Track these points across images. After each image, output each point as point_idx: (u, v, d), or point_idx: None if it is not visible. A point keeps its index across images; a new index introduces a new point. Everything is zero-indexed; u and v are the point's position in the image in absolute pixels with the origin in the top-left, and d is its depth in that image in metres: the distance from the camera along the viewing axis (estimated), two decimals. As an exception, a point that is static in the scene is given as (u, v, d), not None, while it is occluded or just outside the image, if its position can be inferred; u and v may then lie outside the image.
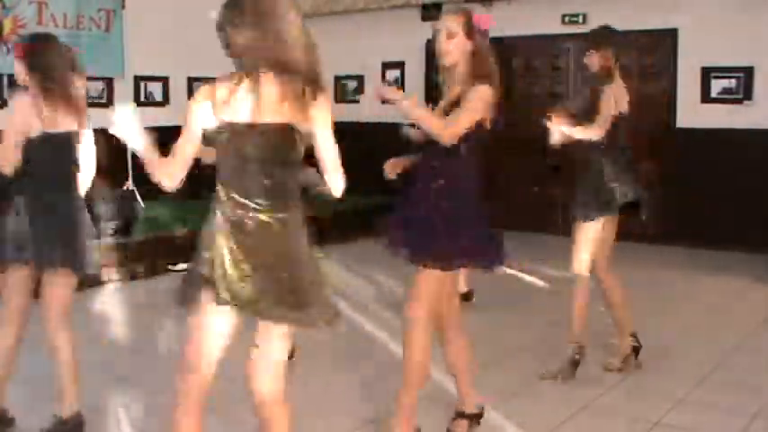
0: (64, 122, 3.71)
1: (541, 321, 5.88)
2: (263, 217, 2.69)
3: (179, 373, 2.79)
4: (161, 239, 7.54)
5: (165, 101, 9.86)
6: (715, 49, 8.44)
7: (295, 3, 2.73)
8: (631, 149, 4.77)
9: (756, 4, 8.22)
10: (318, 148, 2.80)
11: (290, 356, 3.07)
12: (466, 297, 5.97)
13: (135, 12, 9.26)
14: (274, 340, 2.79)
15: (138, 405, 4.31)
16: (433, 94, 5.02)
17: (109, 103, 8.88)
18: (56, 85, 3.68)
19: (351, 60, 10.21)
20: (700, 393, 4.52)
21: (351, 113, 8.41)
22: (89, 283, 6.23)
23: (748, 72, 8.34)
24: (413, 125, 3.75)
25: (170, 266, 7.16)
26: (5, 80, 8.17)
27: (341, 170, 2.85)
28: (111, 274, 6.99)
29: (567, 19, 9.23)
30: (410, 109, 3.44)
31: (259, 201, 2.69)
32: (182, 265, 6.01)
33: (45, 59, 3.70)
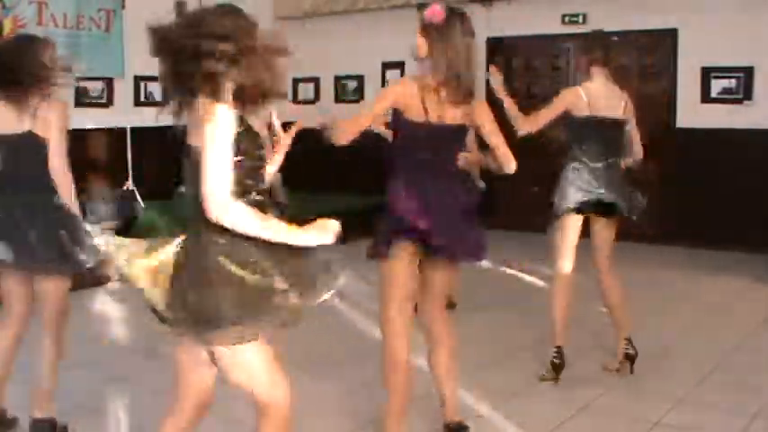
0: (14, 124, 3.61)
1: (541, 321, 5.83)
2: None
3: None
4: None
5: (166, 101, 9.81)
6: (715, 48, 8.44)
7: None
8: (618, 150, 4.69)
9: (756, 4, 8.22)
10: None
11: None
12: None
13: (135, 12, 9.22)
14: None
15: (138, 405, 4.30)
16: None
17: (109, 103, 8.86)
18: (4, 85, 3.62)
19: (351, 60, 10.18)
20: (700, 393, 4.52)
21: (351, 114, 8.36)
22: (89, 283, 6.22)
23: (748, 72, 8.34)
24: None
25: None
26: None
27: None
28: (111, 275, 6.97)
29: (566, 19, 9.22)
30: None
31: None
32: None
33: None
